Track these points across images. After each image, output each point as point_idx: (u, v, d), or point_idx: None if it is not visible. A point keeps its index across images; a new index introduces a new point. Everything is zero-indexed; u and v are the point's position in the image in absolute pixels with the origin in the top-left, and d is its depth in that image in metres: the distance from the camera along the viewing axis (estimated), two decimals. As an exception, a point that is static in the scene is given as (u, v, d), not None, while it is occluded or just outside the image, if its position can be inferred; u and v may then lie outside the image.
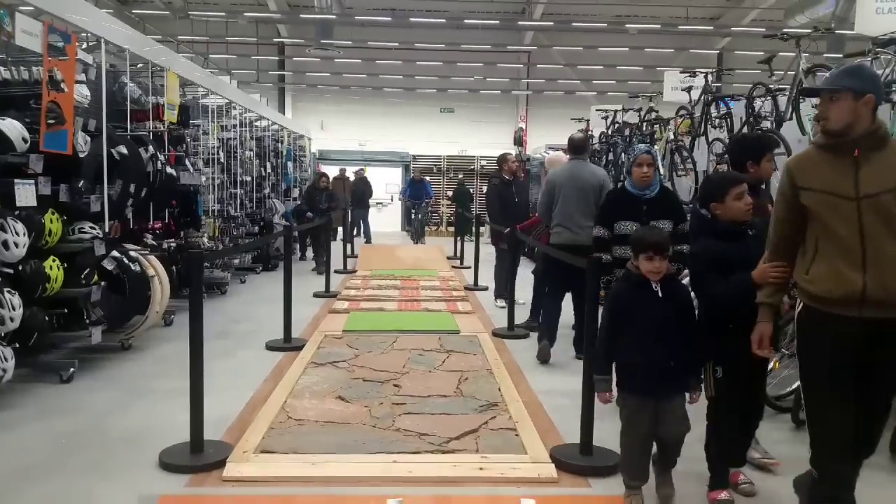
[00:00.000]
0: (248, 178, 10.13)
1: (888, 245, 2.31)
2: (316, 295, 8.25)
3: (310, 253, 12.53)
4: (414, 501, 2.97)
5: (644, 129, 9.36)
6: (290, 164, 13.20)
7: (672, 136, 8.15)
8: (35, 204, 4.33)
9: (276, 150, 12.50)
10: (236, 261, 9.17)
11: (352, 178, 17.21)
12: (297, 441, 3.54)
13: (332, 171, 18.09)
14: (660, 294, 2.81)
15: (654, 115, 9.25)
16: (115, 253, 5.16)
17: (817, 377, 2.48)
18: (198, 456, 3.27)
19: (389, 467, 3.27)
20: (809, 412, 2.50)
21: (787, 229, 2.54)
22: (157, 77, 6.64)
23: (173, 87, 6.72)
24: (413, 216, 16.14)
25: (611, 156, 10.52)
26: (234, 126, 9.64)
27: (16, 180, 4.20)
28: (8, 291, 4.01)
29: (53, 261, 4.49)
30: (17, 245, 4.07)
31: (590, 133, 12.34)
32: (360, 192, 17.21)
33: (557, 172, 5.84)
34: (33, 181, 4.34)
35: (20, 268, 4.23)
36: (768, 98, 5.89)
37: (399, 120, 22.49)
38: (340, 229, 13.08)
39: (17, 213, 4.22)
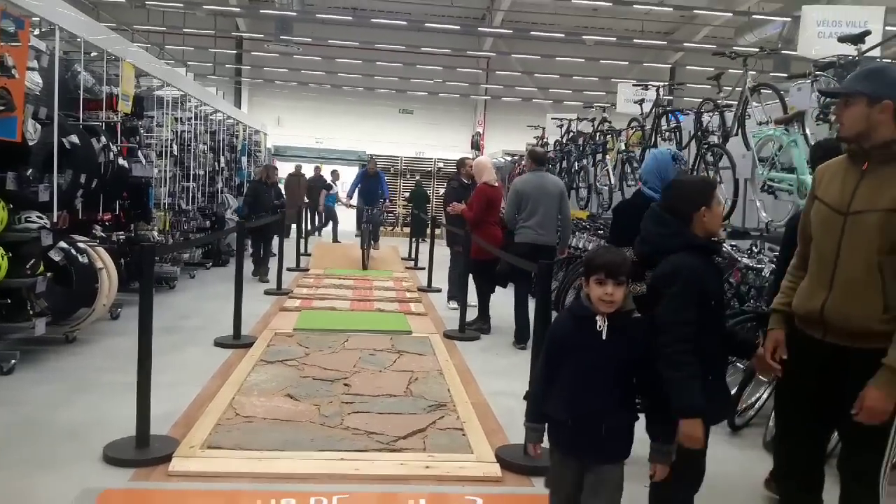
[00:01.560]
0: (202, 172, 9.99)
1: (857, 268, 2.15)
2: (267, 292, 8.21)
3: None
4: (360, 499, 3.02)
5: (597, 138, 9.60)
6: (244, 158, 13.05)
7: (623, 147, 8.40)
8: (-20, 191, 4.23)
9: (231, 144, 12.36)
10: (186, 255, 9.04)
11: (308, 174, 17.13)
12: (244, 438, 3.55)
13: (287, 168, 18.04)
14: (603, 335, 2.22)
15: (606, 125, 9.51)
16: (62, 244, 5.05)
17: (779, 394, 2.47)
18: (143, 450, 3.26)
19: (336, 465, 3.31)
20: (776, 426, 2.47)
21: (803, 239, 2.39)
22: (111, 66, 6.51)
23: (128, 77, 6.61)
24: (365, 219, 11.61)
25: (564, 164, 10.77)
26: (189, 119, 9.49)
27: (-39, 167, 4.10)
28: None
29: (-2, 250, 4.38)
30: (-41, 233, 3.98)
31: (544, 141, 12.61)
32: (316, 190, 17.15)
33: (524, 181, 6.39)
34: (-22, 169, 4.23)
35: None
36: (716, 113, 6.15)
37: (358, 119, 22.47)
38: (294, 226, 12.97)
39: (-39, 200, 4.12)
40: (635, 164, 7.82)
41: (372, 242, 11.64)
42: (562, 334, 2.31)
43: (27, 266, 4.68)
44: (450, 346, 6.04)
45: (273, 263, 9.08)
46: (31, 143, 4.79)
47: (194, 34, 18.90)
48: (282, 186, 18.18)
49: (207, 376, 4.68)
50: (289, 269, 9.75)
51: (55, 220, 5.09)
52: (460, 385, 4.78)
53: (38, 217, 4.86)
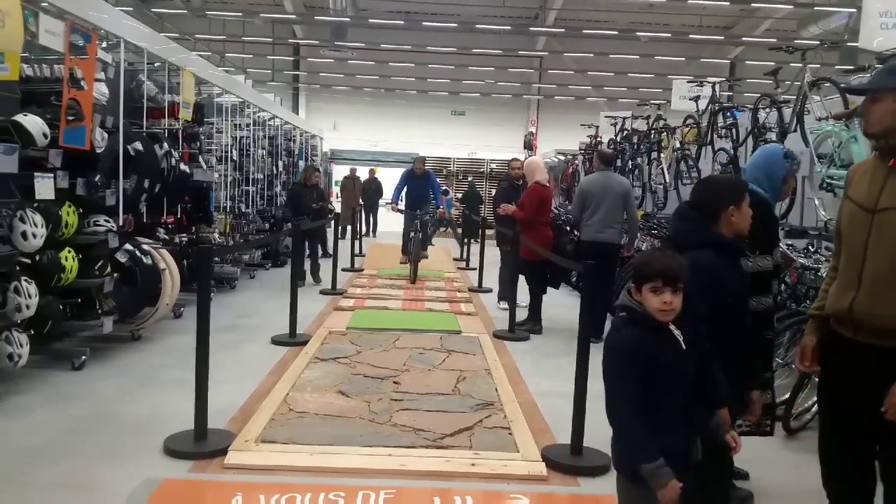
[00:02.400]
0: (260, 176, 10.30)
1: (884, 265, 2.13)
2: (322, 292, 8.40)
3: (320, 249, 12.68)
4: (406, 494, 3.09)
5: (651, 136, 9.45)
6: (301, 162, 13.37)
7: (678, 145, 8.25)
8: (53, 197, 4.49)
9: (289, 148, 12.68)
10: (246, 256, 9.33)
11: (364, 177, 17.42)
12: (297, 432, 3.67)
13: (343, 171, 18.40)
14: (683, 344, 2.04)
15: (661, 123, 9.35)
16: (128, 246, 5.31)
17: (820, 396, 2.45)
18: (201, 443, 3.42)
19: (384, 460, 3.39)
20: (819, 428, 2.45)
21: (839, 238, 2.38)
22: (173, 75, 6.80)
23: (189, 85, 6.88)
24: (412, 230, 9.64)
25: (619, 162, 10.64)
26: (248, 125, 9.80)
27: (36, 174, 4.36)
28: (25, 280, 4.16)
29: (69, 252, 4.64)
30: (34, 236, 4.23)
31: (598, 139, 12.47)
32: (371, 192, 17.44)
33: (589, 181, 6.64)
34: (52, 175, 4.49)
35: (37, 258, 4.39)
36: (774, 109, 5.98)
37: (410, 121, 22.68)
38: (349, 227, 13.11)
39: (35, 205, 4.38)
40: (690, 163, 7.67)
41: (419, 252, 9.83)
42: (647, 351, 1.99)
43: (96, 267, 4.94)
44: (499, 345, 6.06)
45: (327, 263, 9.25)
46: (98, 151, 5.05)
47: (253, 41, 19.45)
48: (337, 189, 18.78)
49: (264, 373, 4.85)
50: (343, 270, 9.94)
51: (121, 223, 5.35)
52: (508, 384, 4.80)
53: (105, 221, 5.12)
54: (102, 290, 4.98)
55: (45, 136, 4.42)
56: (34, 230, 4.23)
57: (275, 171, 11.16)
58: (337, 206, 15.05)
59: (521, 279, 6.79)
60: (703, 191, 2.52)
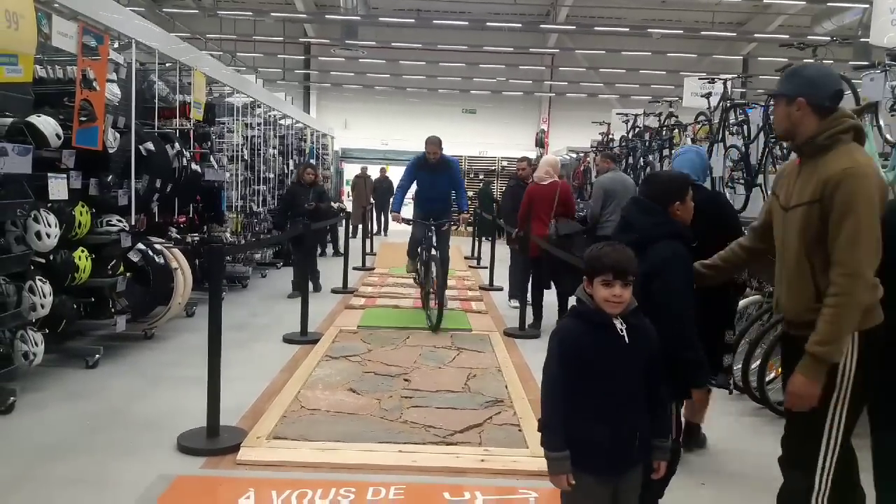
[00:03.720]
0: (272, 175, 10.35)
1: (792, 260, 2.27)
2: (334, 291, 8.43)
3: (330, 248, 12.72)
4: (416, 490, 3.10)
5: (663, 133, 9.42)
6: (312, 161, 13.43)
7: (690, 142, 8.21)
8: (66, 197, 4.54)
9: (300, 147, 12.73)
10: (257, 255, 9.38)
11: (374, 176, 17.46)
12: (308, 429, 3.70)
13: (354, 170, 18.44)
14: (626, 339, 2.06)
15: (673, 120, 9.31)
16: (140, 245, 5.36)
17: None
18: (214, 440, 3.45)
19: (395, 456, 3.41)
20: None
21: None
22: (184, 75, 6.85)
23: (200, 85, 6.93)
24: (425, 246, 6.72)
25: (630, 159, 10.60)
26: (259, 124, 9.85)
27: (49, 174, 4.41)
28: (39, 280, 4.22)
29: (82, 251, 4.69)
30: (48, 236, 4.28)
31: (610, 136, 12.44)
32: (382, 191, 17.48)
33: (610, 180, 6.69)
34: (65, 175, 4.54)
35: (51, 257, 4.44)
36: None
37: (421, 120, 22.64)
38: (360, 227, 13.11)
39: (49, 205, 4.43)
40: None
41: (434, 281, 6.48)
42: (580, 344, 2.06)
43: (108, 266, 4.99)
44: (509, 343, 6.07)
45: (337, 263, 9.24)
46: (110, 151, 5.10)
47: (264, 41, 19.52)
48: (348, 188, 18.82)
49: (275, 371, 4.88)
50: (354, 269, 9.97)
51: (133, 223, 5.40)
52: (518, 382, 4.80)
53: (118, 220, 5.17)
54: (115, 290, 5.03)
55: (58, 136, 4.47)
56: (48, 230, 4.29)
57: (286, 171, 11.21)
58: (348, 205, 15.09)
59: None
60: (654, 186, 2.67)
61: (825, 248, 2.15)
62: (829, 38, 6.10)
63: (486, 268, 9.99)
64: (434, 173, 6.75)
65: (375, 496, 3.01)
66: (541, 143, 20.89)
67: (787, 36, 15.66)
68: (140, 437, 3.56)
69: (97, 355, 4.82)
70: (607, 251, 2.09)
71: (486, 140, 22.17)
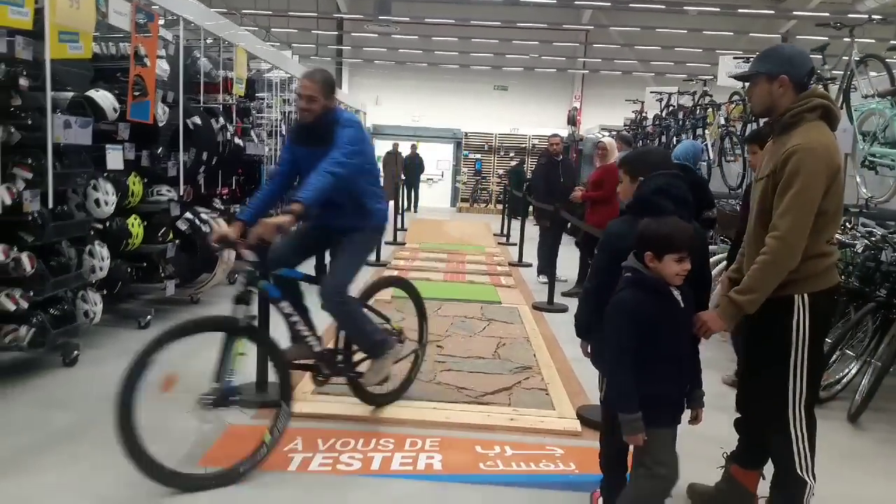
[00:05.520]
0: (307, 150, 10.58)
1: (750, 227, 2.50)
2: (367, 264, 8.66)
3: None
4: (450, 442, 3.33)
5: (697, 112, 9.41)
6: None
7: (723, 122, 8.22)
8: (122, 167, 4.82)
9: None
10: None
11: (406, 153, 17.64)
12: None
13: (385, 146, 18.63)
14: (681, 303, 2.28)
15: (707, 99, 9.29)
16: (188, 215, 5.64)
17: None
18: (263, 393, 3.72)
19: (429, 413, 3.65)
20: None
21: None
22: (225, 52, 7.07)
23: (241, 62, 7.15)
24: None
25: (663, 138, 10.60)
26: (296, 100, 10.05)
27: (107, 146, 4.68)
28: (98, 244, 4.51)
29: (135, 219, 4.99)
30: (106, 203, 4.57)
31: (643, 115, 12.41)
32: (413, 167, 17.67)
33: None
34: (121, 147, 4.82)
35: (108, 224, 4.73)
36: (820, 86, 5.94)
37: (452, 97, 22.70)
38: (392, 202, 13.32)
39: (106, 174, 4.71)
40: (735, 139, 7.66)
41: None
42: (649, 312, 2.22)
43: (159, 234, 5.29)
44: (538, 316, 6.25)
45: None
46: (160, 125, 5.36)
47: (298, 16, 19.68)
48: (380, 165, 19.02)
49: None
50: (387, 243, 10.20)
51: (181, 193, 5.68)
52: (546, 351, 5.00)
53: (167, 190, 5.45)
54: (165, 256, 5.32)
55: (114, 110, 4.72)
56: (106, 198, 4.57)
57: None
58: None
59: (560, 253, 6.93)
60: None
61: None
62: (865, 17, 6.08)
63: (516, 244, 10.14)
64: (314, 145, 3.32)
65: (412, 446, 3.25)
66: (573, 120, 20.82)
67: (828, 14, 15.33)
68: (192, 391, 3.83)
69: (149, 317, 5.13)
70: (678, 228, 2.23)
71: (517, 117, 22.15)
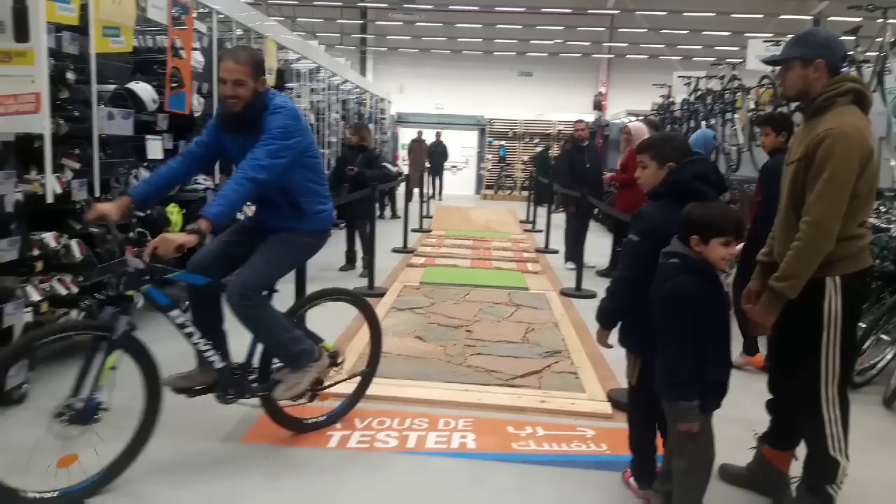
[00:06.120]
0: (334, 140, 10.72)
1: (781, 211, 2.53)
2: (395, 250, 8.80)
3: (388, 211, 13.10)
4: (483, 423, 3.43)
5: (725, 97, 9.33)
6: (371, 126, 13.74)
7: (753, 106, 8.15)
8: (162, 157, 4.96)
9: (359, 112, 13.05)
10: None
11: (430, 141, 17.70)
12: (382, 368, 4.01)
13: (409, 134, 18.72)
14: (726, 288, 2.34)
15: (736, 83, 9.20)
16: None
17: None
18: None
19: (461, 394, 3.75)
20: None
21: None
22: (255, 42, 7.19)
23: (271, 52, 7.27)
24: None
25: (692, 123, 10.53)
26: (323, 89, 10.19)
27: (147, 136, 4.83)
28: (140, 231, 4.67)
29: (174, 207, 5.14)
30: (147, 192, 4.72)
31: (671, 99, 12.31)
32: (437, 155, 17.74)
33: None
34: (160, 137, 4.96)
35: (149, 212, 4.88)
36: (853, 69, 5.89)
37: (476, 83, 22.67)
38: (416, 191, 13.40)
39: (146, 164, 4.86)
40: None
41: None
42: (704, 298, 2.23)
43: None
44: (566, 302, 6.31)
45: (395, 226, 9.57)
46: (196, 115, 5.50)
47: (322, 5, 19.79)
48: (403, 152, 19.13)
49: (349, 319, 5.23)
50: (413, 231, 10.31)
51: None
52: (575, 336, 5.07)
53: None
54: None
55: (154, 101, 4.87)
56: (147, 187, 4.71)
57: (347, 135, 11.55)
58: (405, 170, 15.39)
59: (588, 239, 6.97)
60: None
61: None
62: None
63: (542, 231, 10.18)
64: (244, 133, 2.89)
65: (446, 426, 3.36)
66: (599, 105, 20.68)
67: (861, -6, 15.01)
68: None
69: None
70: (725, 212, 2.28)
71: (542, 103, 22.05)
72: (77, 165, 3.99)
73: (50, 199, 3.74)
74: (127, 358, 2.62)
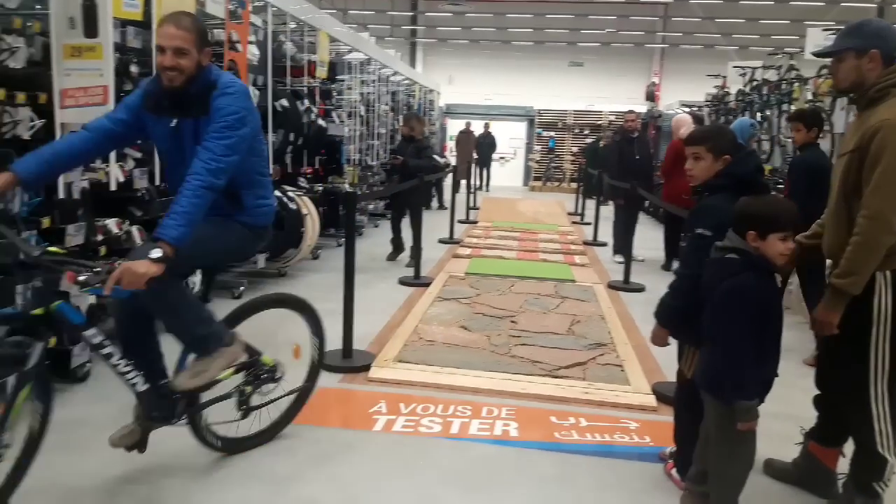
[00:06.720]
0: (383, 131, 10.84)
1: (833, 204, 2.47)
2: (441, 241, 8.87)
3: (435, 202, 13.18)
4: (526, 412, 3.47)
5: (782, 87, 9.08)
6: (415, 113, 13.81)
7: (811, 97, 7.92)
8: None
9: (409, 104, 13.15)
10: (371, 206, 9.95)
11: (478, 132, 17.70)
12: (427, 356, 4.15)
13: (458, 125, 18.74)
14: (779, 283, 2.31)
15: (794, 73, 8.94)
16: (276, 192, 5.93)
17: None
18: (348, 360, 3.97)
19: (505, 383, 3.79)
20: None
21: None
22: (308, 36, 7.33)
23: (324, 45, 7.41)
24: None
25: (747, 114, 10.27)
26: (373, 81, 10.30)
27: (205, 127, 4.99)
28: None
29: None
30: (205, 181, 4.88)
31: (726, 90, 12.03)
32: (485, 146, 17.74)
33: None
34: (217, 128, 5.12)
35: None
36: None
37: (526, 74, 22.52)
38: (463, 182, 13.42)
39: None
40: (823, 116, 7.38)
41: None
42: (768, 295, 2.21)
43: (250, 210, 5.59)
44: (613, 295, 6.27)
45: (442, 217, 9.63)
46: (251, 106, 5.65)
47: (374, -3, 19.94)
48: (452, 144, 19.19)
49: (394, 307, 5.37)
50: (459, 222, 10.36)
51: (271, 172, 5.97)
52: (621, 329, 5.05)
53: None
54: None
55: (212, 94, 5.03)
56: (204, 176, 4.88)
57: (396, 126, 11.67)
58: (453, 161, 15.44)
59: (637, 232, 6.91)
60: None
61: (860, 195, 2.32)
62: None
63: (591, 224, 10.10)
64: (181, 114, 2.47)
65: (489, 414, 3.41)
66: (651, 96, 20.31)
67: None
68: (286, 355, 4.12)
69: (242, 287, 5.48)
70: (784, 206, 2.26)
71: (593, 94, 21.77)
72: (139, 155, 4.18)
73: (113, 187, 3.93)
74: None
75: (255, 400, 2.90)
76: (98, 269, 2.21)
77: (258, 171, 2.60)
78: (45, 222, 3.45)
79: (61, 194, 3.54)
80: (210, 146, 2.30)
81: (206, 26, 5.56)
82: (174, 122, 2.43)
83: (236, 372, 2.82)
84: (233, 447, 2.90)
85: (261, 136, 2.59)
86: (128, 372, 2.45)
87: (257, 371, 2.89)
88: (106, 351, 2.41)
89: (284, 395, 3.06)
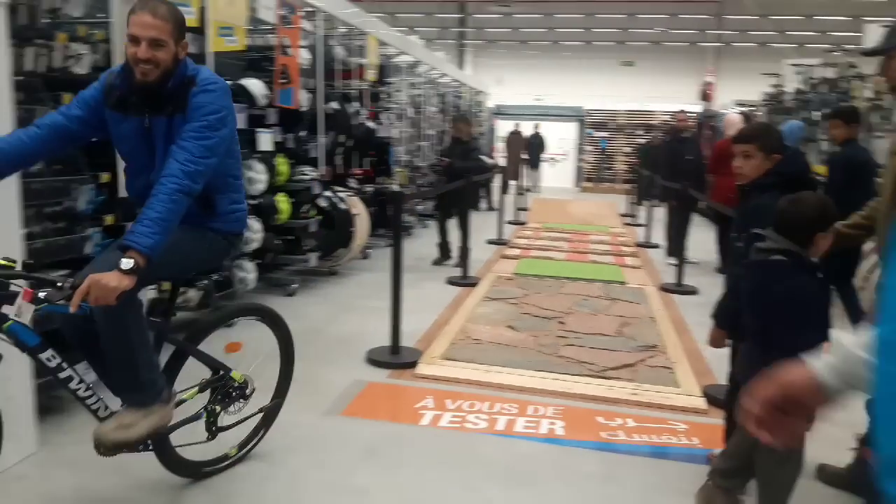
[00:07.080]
0: (432, 132, 10.91)
1: (885, 201, 2.42)
2: (489, 242, 8.88)
3: (484, 203, 13.17)
4: (573, 412, 3.46)
5: (841, 86, 8.81)
6: (463, 114, 13.84)
7: (871, 95, 7.66)
8: (272, 149, 5.27)
9: (457, 105, 13.20)
10: (420, 207, 10.04)
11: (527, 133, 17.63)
12: (474, 354, 4.17)
13: (506, 127, 18.70)
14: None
15: (853, 71, 8.66)
16: (327, 193, 6.07)
17: None
18: (396, 356, 4.03)
19: (552, 383, 3.79)
20: None
21: None
22: (357, 39, 7.45)
23: (374, 49, 7.51)
24: None
25: (804, 114, 9.98)
26: (421, 83, 10.39)
27: (258, 129, 5.15)
28: (251, 217, 4.99)
29: (282, 196, 5.44)
30: (258, 181, 5.04)
31: (782, 89, 11.70)
32: (534, 147, 17.66)
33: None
34: (270, 130, 5.27)
35: (259, 200, 5.21)
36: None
37: (575, 74, 22.33)
38: (513, 182, 13.39)
39: (257, 155, 5.18)
40: (883, 113, 7.13)
41: None
42: (819, 296, 2.21)
43: (302, 210, 5.73)
44: (665, 297, 6.16)
45: (490, 218, 9.64)
46: (302, 110, 5.80)
47: (422, 1, 20.06)
48: (500, 145, 19.16)
49: (442, 306, 5.42)
50: (508, 223, 10.35)
51: (322, 173, 6.11)
52: (673, 331, 4.97)
53: (309, 170, 5.89)
54: (307, 230, 5.78)
55: (264, 96, 5.18)
56: (258, 176, 5.04)
57: (445, 128, 11.73)
58: (502, 162, 15.42)
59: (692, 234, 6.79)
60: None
61: None
62: None
63: (644, 225, 9.95)
64: (151, 112, 2.23)
65: (535, 412, 3.41)
66: (705, 96, 19.88)
67: None
68: (336, 351, 4.22)
69: (295, 285, 5.62)
70: (829, 205, 2.21)
71: (644, 94, 21.42)
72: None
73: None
74: None
75: (225, 420, 2.66)
76: (60, 284, 1.95)
77: (232, 173, 2.37)
78: (108, 220, 3.60)
79: (123, 193, 3.69)
80: (187, 146, 2.08)
81: (257, 30, 5.79)
82: (146, 122, 2.18)
83: (202, 390, 2.58)
84: (199, 474, 2.64)
85: (236, 136, 2.34)
86: (89, 397, 2.20)
87: (227, 388, 2.63)
88: (64, 375, 2.14)
89: (252, 415, 2.81)
